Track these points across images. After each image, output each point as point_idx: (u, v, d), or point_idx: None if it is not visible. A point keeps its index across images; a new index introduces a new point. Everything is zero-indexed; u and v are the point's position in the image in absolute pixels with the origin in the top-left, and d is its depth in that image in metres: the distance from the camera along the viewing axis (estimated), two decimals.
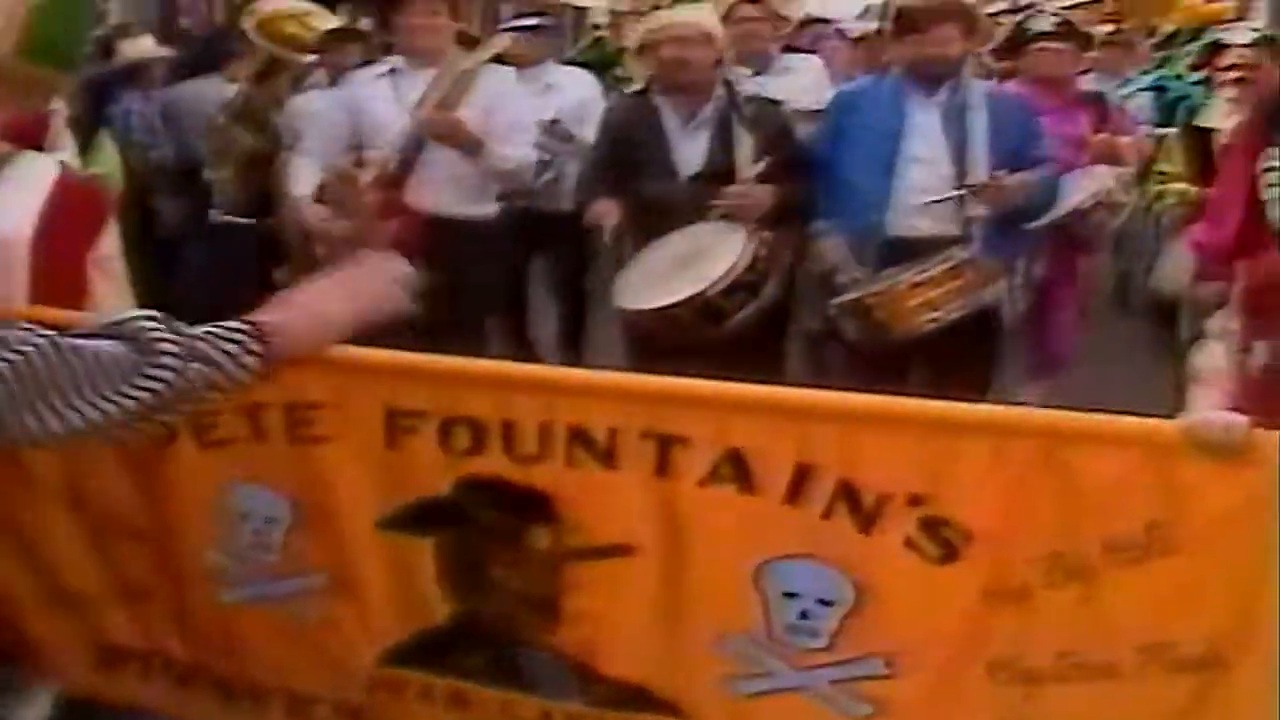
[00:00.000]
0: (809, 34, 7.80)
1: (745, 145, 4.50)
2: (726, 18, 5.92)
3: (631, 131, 4.72)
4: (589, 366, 5.66)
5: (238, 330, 2.02)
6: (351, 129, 4.87)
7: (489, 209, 4.96)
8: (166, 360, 1.90)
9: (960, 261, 4.36)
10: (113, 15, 9.17)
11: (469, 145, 4.71)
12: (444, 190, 4.79)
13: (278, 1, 6.70)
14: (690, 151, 4.57)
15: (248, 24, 6.39)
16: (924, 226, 4.49)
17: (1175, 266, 5.46)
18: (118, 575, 2.68)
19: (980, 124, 4.54)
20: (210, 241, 6.33)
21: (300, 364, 2.24)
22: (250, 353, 2.01)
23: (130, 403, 1.88)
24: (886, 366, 4.37)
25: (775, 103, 4.86)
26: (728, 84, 4.67)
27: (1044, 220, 5.11)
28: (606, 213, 4.58)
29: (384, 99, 4.85)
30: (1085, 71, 7.12)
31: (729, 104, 4.58)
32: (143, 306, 3.18)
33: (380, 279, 2.25)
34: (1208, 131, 5.52)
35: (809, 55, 6.53)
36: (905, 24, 4.75)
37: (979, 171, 4.48)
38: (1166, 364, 5.26)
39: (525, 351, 6.37)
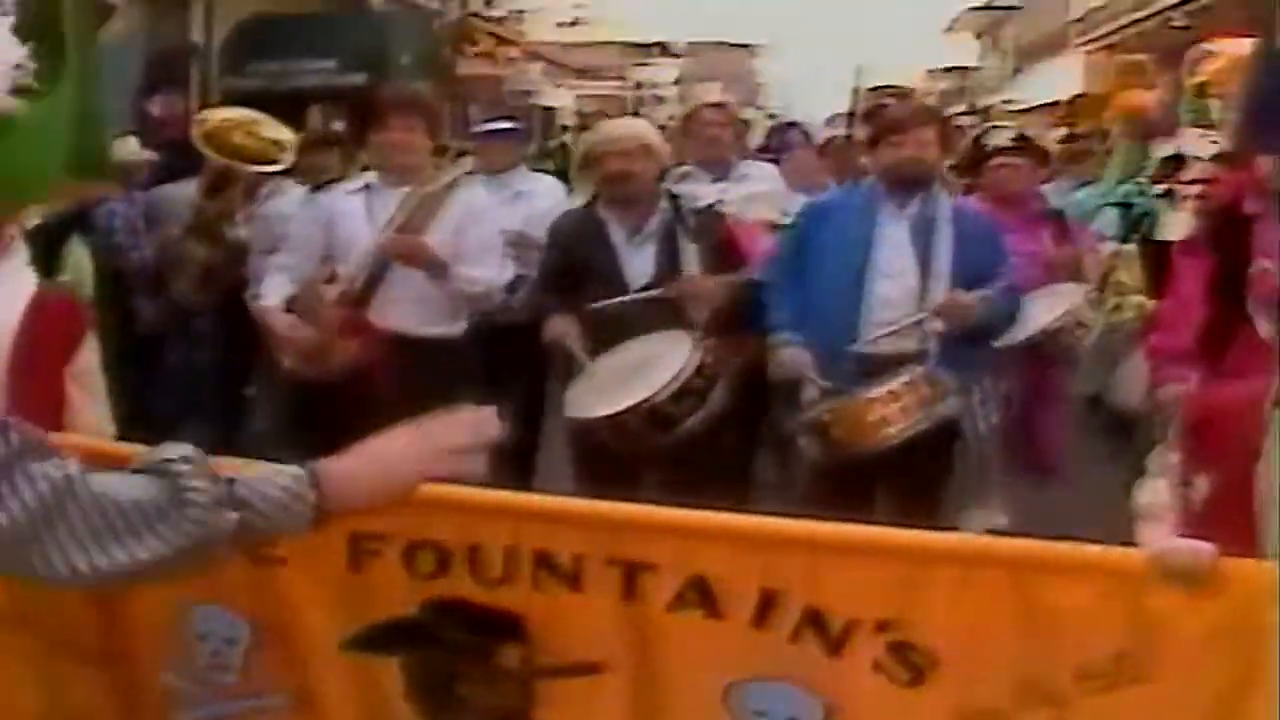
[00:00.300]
0: (775, 139, 7.92)
1: (691, 256, 4.58)
2: (689, 121, 6.28)
3: (579, 244, 4.75)
4: (544, 479, 5.86)
5: (293, 476, 1.89)
6: (325, 243, 4.86)
7: (455, 329, 4.91)
8: (194, 511, 1.79)
9: (916, 377, 4.36)
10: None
11: (433, 268, 4.69)
12: (408, 310, 4.77)
13: (227, 111, 6.83)
14: (638, 264, 4.62)
15: (195, 134, 6.39)
16: (890, 343, 4.49)
17: (1134, 380, 5.54)
18: (63, 701, 2.59)
19: (946, 239, 4.54)
20: (188, 342, 6.48)
21: None
22: (304, 501, 1.87)
23: (159, 547, 1.77)
24: (852, 480, 4.41)
25: (719, 214, 4.96)
26: (672, 196, 4.73)
27: (1014, 339, 5.11)
28: (566, 332, 4.60)
29: (356, 215, 4.83)
30: (1045, 181, 7.21)
31: (674, 216, 4.64)
32: (120, 410, 3.23)
33: (462, 437, 2.09)
34: (1167, 245, 5.62)
35: (767, 164, 6.60)
36: (884, 128, 4.77)
37: (942, 287, 4.48)
38: (1131, 481, 5.24)
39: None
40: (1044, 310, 5.45)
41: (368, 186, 4.89)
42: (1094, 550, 2.17)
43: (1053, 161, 8.25)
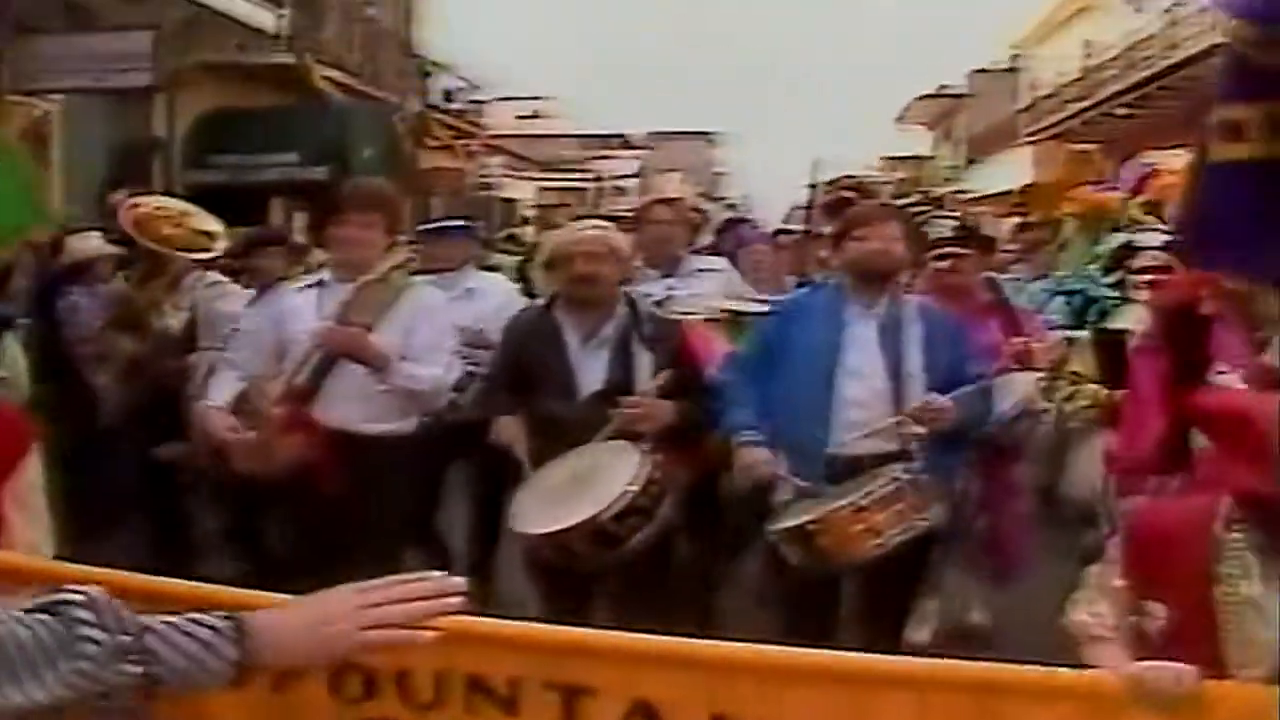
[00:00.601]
0: (727, 235, 7.83)
1: (644, 364, 4.50)
2: (640, 218, 6.23)
3: (532, 347, 4.67)
4: (502, 583, 5.80)
5: (218, 628, 1.74)
6: (276, 341, 4.79)
7: (401, 426, 4.81)
8: (85, 663, 1.66)
9: (902, 483, 4.24)
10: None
11: (372, 361, 4.62)
12: (352, 406, 4.68)
13: (159, 200, 6.81)
14: (590, 370, 4.54)
15: (124, 219, 6.35)
16: (863, 444, 4.40)
17: (1088, 472, 5.56)
18: None
19: (915, 338, 4.48)
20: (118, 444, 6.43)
21: (197, 601, 2.12)
22: (223, 658, 1.72)
23: (54, 690, 1.64)
24: (819, 585, 4.36)
25: (675, 321, 4.89)
26: (631, 302, 4.68)
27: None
28: (514, 437, 4.52)
29: (307, 311, 4.76)
30: (995, 270, 7.03)
31: (630, 322, 4.58)
32: (67, 508, 3.12)
33: (414, 608, 1.88)
34: (1119, 334, 5.46)
35: (719, 259, 6.51)
36: (850, 224, 4.72)
37: (913, 388, 4.41)
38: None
39: (438, 565, 6.10)
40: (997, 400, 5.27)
41: (320, 283, 4.83)
42: (1065, 674, 2.14)
43: (998, 250, 8.18)
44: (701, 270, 6.04)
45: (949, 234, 5.89)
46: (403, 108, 22.04)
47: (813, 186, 10.38)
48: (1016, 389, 5.40)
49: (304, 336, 4.68)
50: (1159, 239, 5.97)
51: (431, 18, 25.82)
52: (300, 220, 19.64)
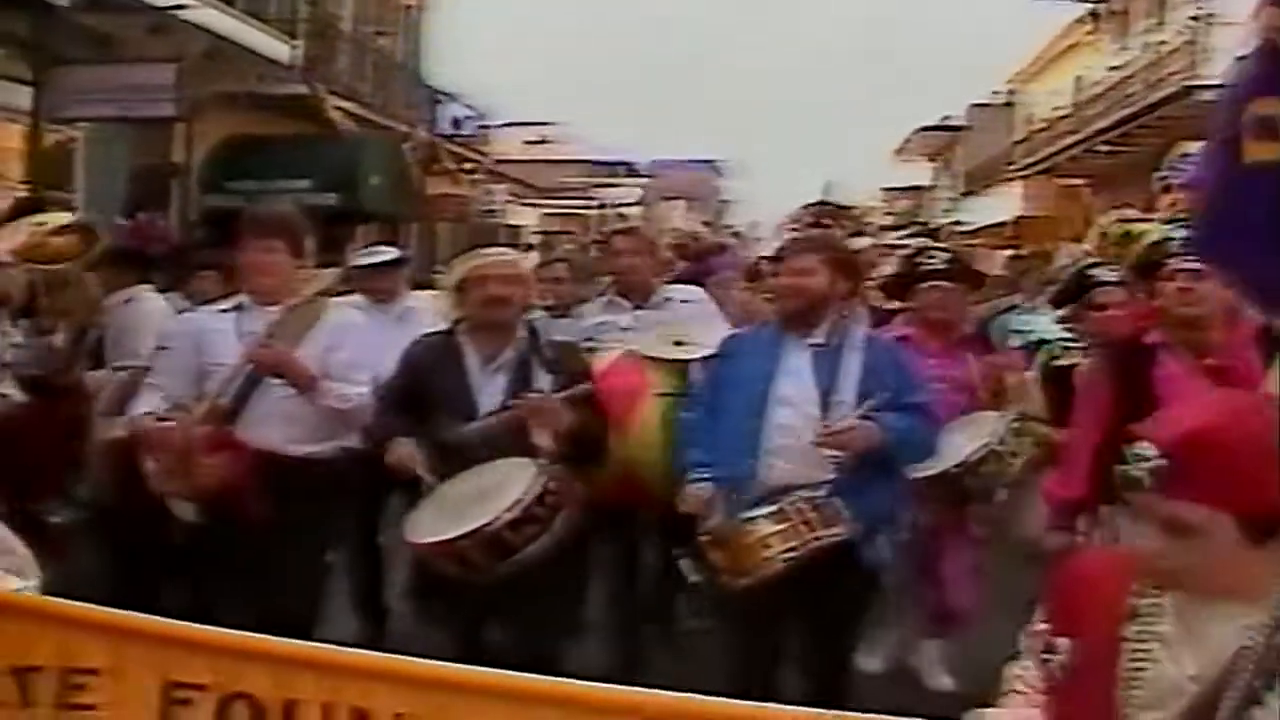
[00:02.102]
0: (702, 262, 7.87)
1: (544, 385, 4.53)
2: (604, 248, 6.23)
3: (432, 369, 4.67)
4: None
5: None
6: (197, 364, 4.76)
7: (326, 448, 4.78)
8: None
9: (800, 502, 4.26)
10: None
11: (299, 381, 4.61)
12: (276, 426, 4.66)
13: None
14: (489, 392, 4.54)
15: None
16: (792, 472, 4.37)
17: (1035, 513, 5.32)
18: None
19: (852, 368, 4.46)
20: None
21: (81, 626, 2.27)
22: None
23: None
24: (758, 613, 4.39)
25: (575, 347, 4.98)
26: (530, 328, 4.72)
27: (930, 470, 4.95)
28: (408, 457, 4.46)
29: (227, 333, 4.73)
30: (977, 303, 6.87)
31: (530, 347, 4.61)
32: None
33: None
34: (1069, 370, 5.42)
35: (695, 289, 6.35)
36: (775, 259, 5.01)
37: (841, 414, 4.38)
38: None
39: (374, 598, 6.18)
40: (964, 440, 5.23)
41: (239, 306, 4.81)
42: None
43: (989, 284, 7.76)
44: (672, 300, 5.93)
45: (938, 266, 5.76)
46: (412, 137, 22.72)
47: (807, 208, 10.44)
48: (983, 429, 5.30)
49: (225, 359, 4.66)
50: (1113, 273, 5.68)
51: (441, 48, 26.55)
52: (307, 245, 20.31)
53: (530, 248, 26.00)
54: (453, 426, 4.51)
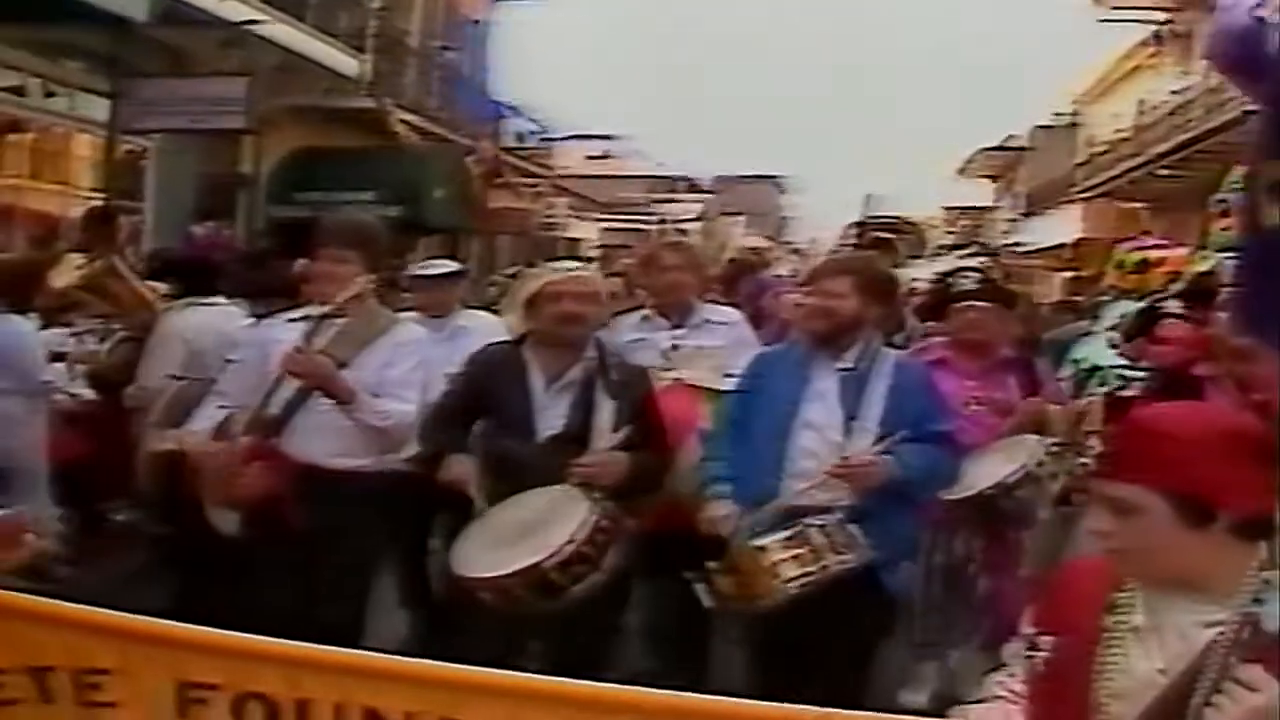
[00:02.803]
0: (747, 282, 7.68)
1: (605, 411, 4.39)
2: (648, 265, 5.99)
3: (495, 383, 4.54)
4: None
5: None
6: (263, 373, 4.71)
7: (370, 463, 4.71)
8: None
9: (811, 528, 4.20)
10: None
11: (337, 393, 4.54)
12: (318, 439, 4.60)
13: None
14: (551, 414, 4.42)
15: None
16: (812, 494, 4.34)
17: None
18: None
19: (878, 393, 4.41)
20: None
21: (89, 629, 2.32)
22: None
23: None
24: (778, 635, 4.35)
25: (644, 373, 4.78)
26: (599, 346, 4.57)
27: (966, 493, 4.90)
28: (464, 475, 4.36)
29: (292, 344, 4.64)
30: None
31: (597, 367, 4.47)
32: None
33: None
34: (1131, 401, 5.32)
35: (731, 310, 6.15)
36: (805, 281, 4.86)
37: (862, 441, 4.35)
38: None
39: (423, 612, 6.01)
40: (999, 463, 5.15)
41: (309, 316, 4.71)
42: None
43: (1027, 305, 7.68)
44: (710, 322, 5.72)
45: (970, 287, 5.68)
46: (475, 150, 23.01)
47: (860, 225, 10.16)
48: (1021, 454, 5.21)
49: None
50: (1181, 306, 5.61)
51: (506, 62, 26.85)
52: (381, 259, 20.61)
53: (590, 261, 26.18)
54: (509, 444, 4.39)
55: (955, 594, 5.37)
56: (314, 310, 4.73)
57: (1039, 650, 2.33)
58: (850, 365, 4.48)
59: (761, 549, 4.18)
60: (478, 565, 4.14)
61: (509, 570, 4.03)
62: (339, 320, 4.65)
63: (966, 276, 5.84)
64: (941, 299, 5.86)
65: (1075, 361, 7.25)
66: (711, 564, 4.25)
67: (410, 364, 4.74)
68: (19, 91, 12.95)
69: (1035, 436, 5.33)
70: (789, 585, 4.14)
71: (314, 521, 4.47)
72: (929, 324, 6.47)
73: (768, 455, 4.41)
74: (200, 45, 14.36)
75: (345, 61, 17.13)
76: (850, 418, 4.39)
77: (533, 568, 4.00)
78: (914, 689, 5.37)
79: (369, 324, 4.73)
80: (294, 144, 17.60)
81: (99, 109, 13.98)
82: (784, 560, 4.16)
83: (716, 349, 5.50)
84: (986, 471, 5.07)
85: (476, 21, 25.79)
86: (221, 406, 4.79)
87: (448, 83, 23.02)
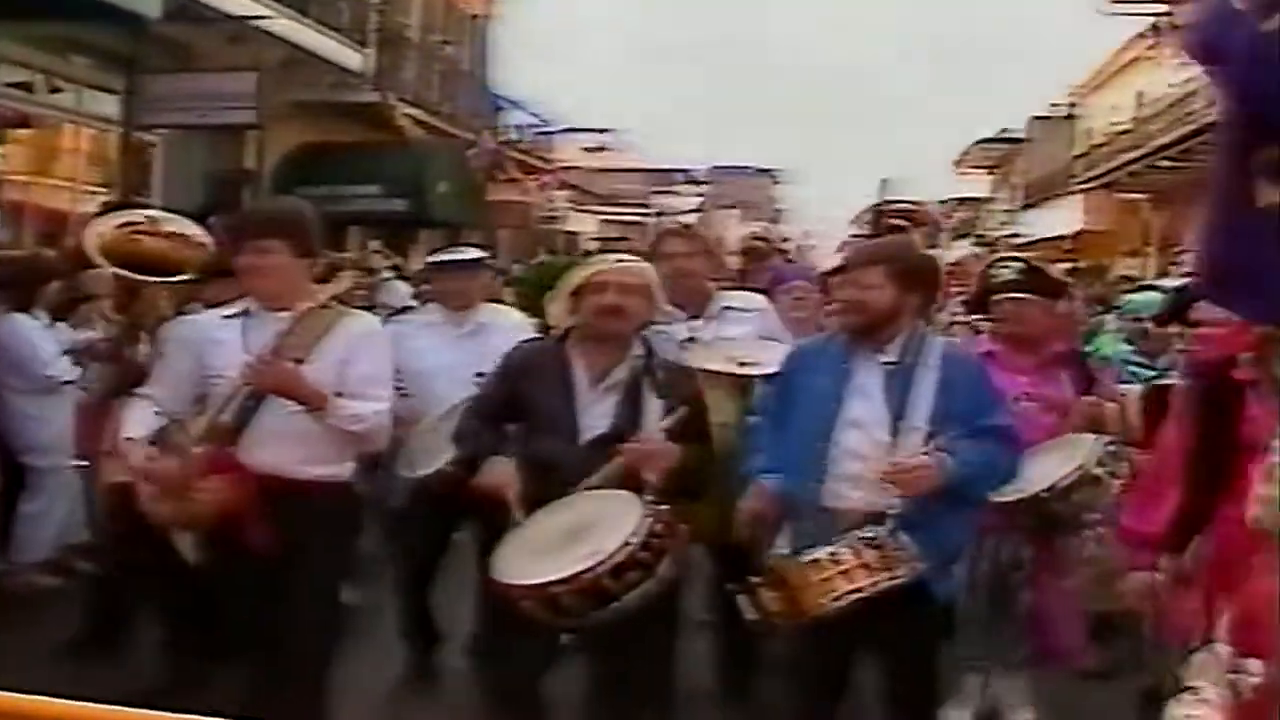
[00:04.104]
0: (765, 270, 7.31)
1: (653, 412, 4.15)
2: (653, 253, 5.48)
3: (534, 382, 4.27)
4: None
5: None
6: (197, 376, 4.26)
7: (340, 470, 4.29)
8: None
9: (862, 540, 3.92)
10: None
11: (308, 399, 4.09)
12: (284, 446, 4.14)
13: (127, 213, 5.82)
14: (595, 414, 4.17)
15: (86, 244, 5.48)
16: (857, 498, 4.08)
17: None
18: None
19: (926, 388, 4.14)
20: None
21: None
22: None
23: None
24: (824, 652, 4.16)
25: (689, 370, 4.53)
26: (647, 344, 4.31)
27: (1017, 495, 4.62)
28: (506, 483, 4.10)
29: (229, 342, 4.22)
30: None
31: (644, 366, 4.22)
32: None
33: None
34: (1168, 389, 5.08)
35: (756, 296, 5.71)
36: (837, 273, 4.69)
37: (912, 441, 4.07)
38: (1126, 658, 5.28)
39: (428, 641, 5.72)
40: (1055, 464, 4.84)
41: (246, 311, 4.26)
42: None
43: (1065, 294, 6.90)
44: (731, 309, 5.36)
45: (1010, 277, 5.31)
46: (477, 144, 23.06)
47: (876, 211, 9.80)
48: (1078, 453, 4.90)
49: (227, 370, 4.16)
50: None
51: (505, 57, 26.88)
52: (373, 248, 20.74)
53: (588, 254, 26.35)
54: (551, 447, 4.14)
55: (1001, 604, 5.04)
56: (251, 305, 4.26)
57: (1246, 673, 2.21)
58: (894, 359, 4.19)
59: (812, 563, 3.89)
60: (521, 573, 3.84)
61: (558, 577, 3.73)
62: (280, 316, 4.19)
63: (1007, 266, 5.46)
64: (982, 290, 5.50)
65: (1087, 354, 6.87)
66: (756, 578, 3.97)
67: (371, 358, 4.28)
68: (28, 88, 12.97)
69: (1093, 435, 5.01)
70: (839, 602, 3.86)
71: (283, 539, 4.04)
72: (975, 317, 6.11)
73: (809, 456, 4.14)
74: (207, 41, 14.35)
75: (350, 56, 17.14)
76: (897, 415, 4.11)
77: (584, 573, 3.71)
78: (956, 704, 5.09)
79: (317, 318, 4.24)
80: (298, 139, 17.63)
81: (110, 105, 13.99)
82: (834, 575, 3.87)
83: (739, 339, 5.17)
84: (1040, 472, 4.74)
85: (475, 16, 25.79)
86: (157, 412, 4.26)
87: (448, 77, 23.06)
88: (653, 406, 4.16)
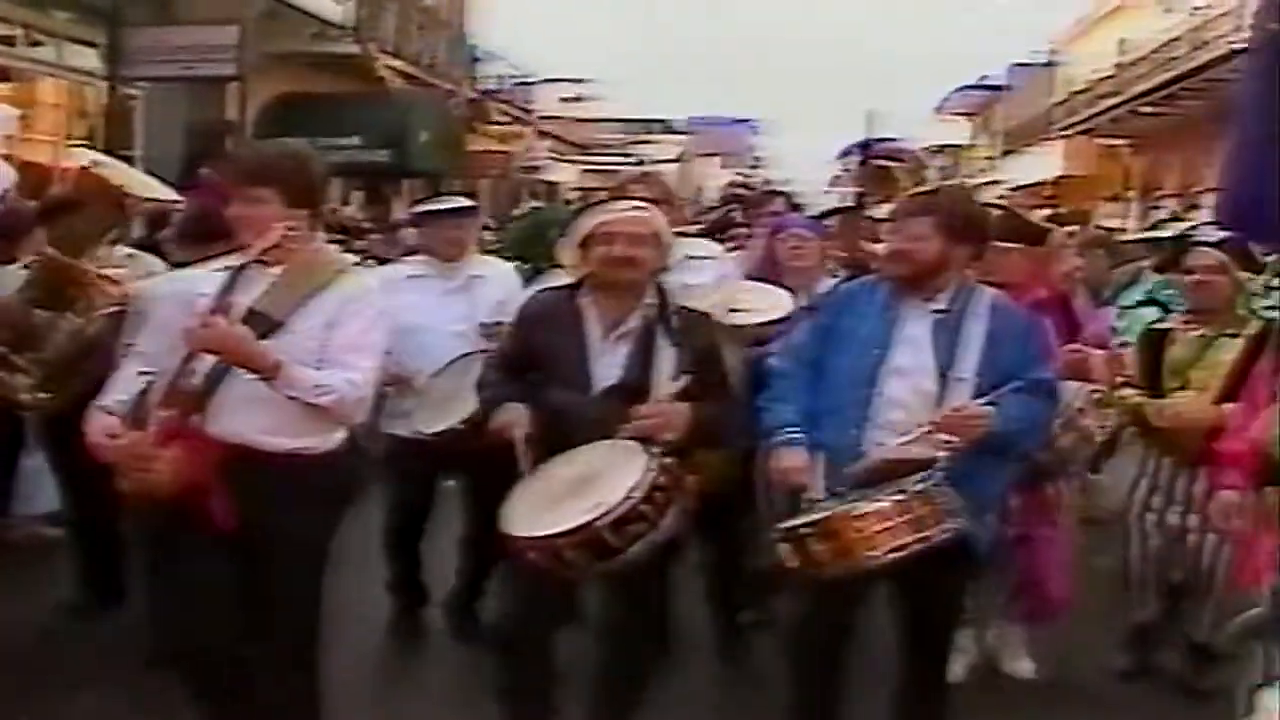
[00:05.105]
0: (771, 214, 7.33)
1: (666, 361, 4.08)
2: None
3: (549, 332, 4.20)
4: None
5: None
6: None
7: (316, 441, 3.81)
8: None
9: (911, 494, 3.82)
10: None
11: (258, 367, 3.62)
12: (253, 414, 3.70)
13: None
14: (608, 363, 4.10)
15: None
16: (898, 446, 3.99)
17: (1116, 484, 5.23)
18: None
19: (975, 339, 4.08)
20: None
21: None
22: None
23: None
24: (842, 602, 4.09)
25: (704, 316, 4.42)
26: (661, 291, 4.21)
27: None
28: (515, 422, 4.03)
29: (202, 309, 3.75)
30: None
31: (657, 314, 4.14)
32: None
33: None
34: (1165, 334, 5.19)
35: (713, 244, 5.76)
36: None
37: (959, 391, 4.01)
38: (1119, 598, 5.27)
39: (414, 602, 5.65)
40: None
41: (239, 266, 3.84)
42: None
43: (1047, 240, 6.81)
44: (693, 258, 5.28)
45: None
46: (457, 94, 22.97)
47: (864, 146, 9.43)
48: (1062, 400, 4.78)
49: None
50: (1215, 236, 5.19)
51: (482, 6, 26.74)
52: (357, 200, 20.70)
53: (568, 204, 26.34)
54: (563, 396, 4.08)
55: (994, 557, 4.91)
56: (237, 260, 3.84)
57: None
58: (944, 308, 4.12)
59: (860, 515, 3.78)
60: (529, 524, 3.81)
61: (560, 529, 3.70)
62: (271, 271, 3.81)
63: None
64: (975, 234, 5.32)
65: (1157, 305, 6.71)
66: (803, 526, 3.85)
67: (361, 323, 3.84)
68: (8, 42, 12.86)
69: (1076, 383, 4.96)
70: (887, 557, 3.75)
71: (250, 518, 3.70)
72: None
73: (850, 404, 4.07)
74: None
75: (331, 8, 17.05)
76: (944, 366, 4.04)
77: (585, 526, 3.68)
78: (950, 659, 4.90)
79: (307, 275, 3.85)
80: (280, 90, 17.53)
81: (90, 59, 13.89)
82: (882, 530, 3.76)
83: (703, 287, 5.10)
84: None
85: None
86: (143, 372, 3.86)
87: (427, 28, 22.93)
88: (666, 355, 4.08)
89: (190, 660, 3.79)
